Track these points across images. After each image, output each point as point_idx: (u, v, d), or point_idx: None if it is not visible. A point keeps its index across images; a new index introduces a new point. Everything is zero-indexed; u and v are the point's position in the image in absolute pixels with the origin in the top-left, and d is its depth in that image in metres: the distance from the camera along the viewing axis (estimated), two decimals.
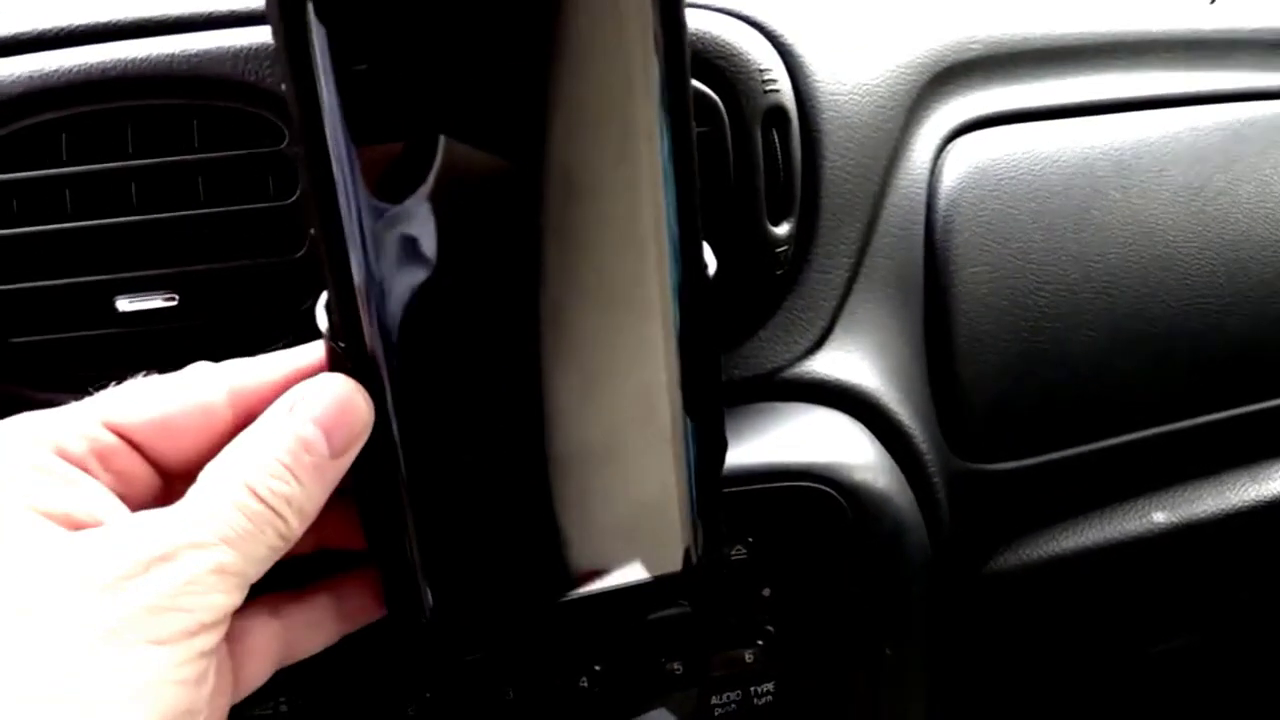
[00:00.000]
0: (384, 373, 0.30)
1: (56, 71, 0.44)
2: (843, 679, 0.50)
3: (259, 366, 0.32)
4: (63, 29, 0.46)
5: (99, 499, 0.29)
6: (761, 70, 0.50)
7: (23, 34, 0.46)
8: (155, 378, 0.32)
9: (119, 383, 0.33)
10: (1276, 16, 0.75)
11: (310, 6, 0.26)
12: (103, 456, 0.30)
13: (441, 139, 0.29)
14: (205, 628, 0.27)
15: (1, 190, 0.44)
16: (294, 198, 0.45)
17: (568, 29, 0.29)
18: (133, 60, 0.45)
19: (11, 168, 0.44)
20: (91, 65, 0.44)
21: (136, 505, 0.30)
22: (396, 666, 0.45)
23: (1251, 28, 0.71)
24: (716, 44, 0.49)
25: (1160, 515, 0.66)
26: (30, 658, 0.24)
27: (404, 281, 0.30)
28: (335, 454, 0.30)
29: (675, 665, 0.47)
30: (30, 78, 0.44)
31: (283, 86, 0.29)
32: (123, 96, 0.45)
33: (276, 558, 0.29)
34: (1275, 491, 0.66)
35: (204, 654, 0.27)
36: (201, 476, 0.29)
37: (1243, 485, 0.67)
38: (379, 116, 0.28)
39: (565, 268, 0.31)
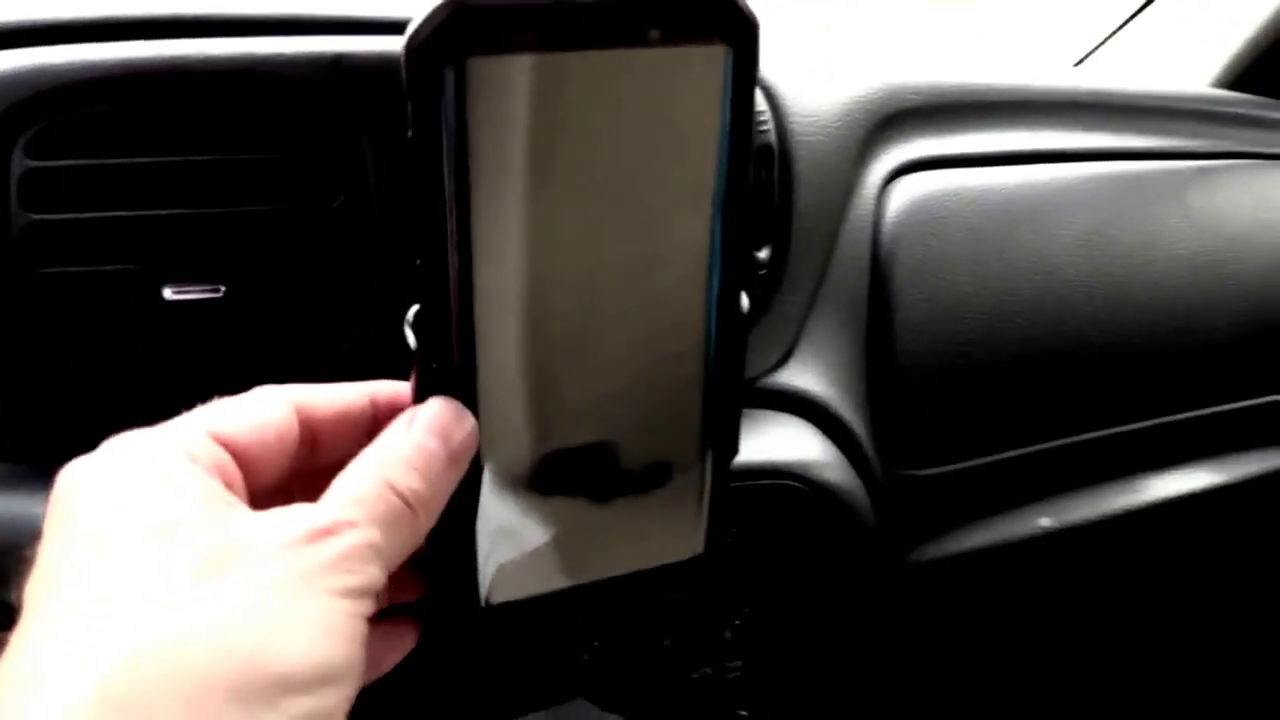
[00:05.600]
0: (470, 393, 0.34)
1: (111, 62, 0.46)
2: (805, 657, 0.56)
3: (326, 392, 0.34)
4: (123, 19, 0.48)
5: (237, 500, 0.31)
6: (757, 112, 0.55)
7: (84, 20, 0.47)
8: (232, 398, 0.33)
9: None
10: (1188, 85, 0.87)
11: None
12: (219, 468, 0.31)
13: (549, 180, 0.32)
14: (365, 592, 0.30)
15: (55, 176, 0.45)
16: (338, 202, 0.48)
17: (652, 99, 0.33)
18: (184, 57, 0.47)
19: (67, 155, 0.46)
20: (148, 58, 0.46)
21: None
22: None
23: (1163, 93, 0.81)
24: None
25: (1045, 520, 0.75)
26: (234, 591, 0.27)
27: (497, 310, 0.33)
28: (452, 462, 0.33)
29: (666, 641, 0.52)
30: (89, 66, 0.46)
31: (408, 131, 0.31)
32: (174, 91, 0.47)
33: (404, 558, 0.32)
34: (1144, 500, 0.76)
35: (364, 617, 0.30)
36: (343, 475, 0.31)
37: (1115, 495, 0.76)
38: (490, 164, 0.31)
39: (629, 299, 0.35)
